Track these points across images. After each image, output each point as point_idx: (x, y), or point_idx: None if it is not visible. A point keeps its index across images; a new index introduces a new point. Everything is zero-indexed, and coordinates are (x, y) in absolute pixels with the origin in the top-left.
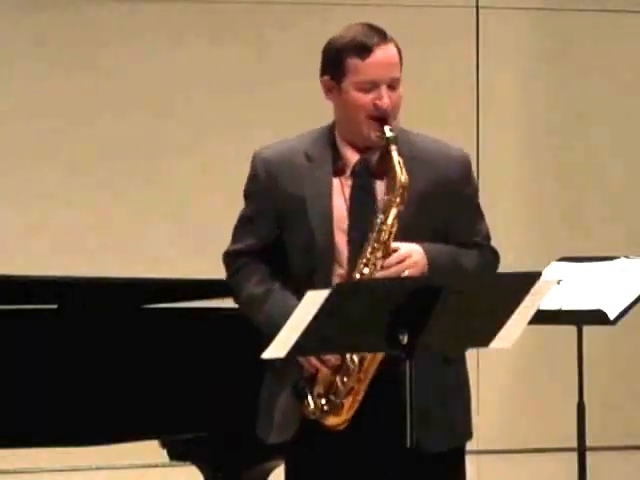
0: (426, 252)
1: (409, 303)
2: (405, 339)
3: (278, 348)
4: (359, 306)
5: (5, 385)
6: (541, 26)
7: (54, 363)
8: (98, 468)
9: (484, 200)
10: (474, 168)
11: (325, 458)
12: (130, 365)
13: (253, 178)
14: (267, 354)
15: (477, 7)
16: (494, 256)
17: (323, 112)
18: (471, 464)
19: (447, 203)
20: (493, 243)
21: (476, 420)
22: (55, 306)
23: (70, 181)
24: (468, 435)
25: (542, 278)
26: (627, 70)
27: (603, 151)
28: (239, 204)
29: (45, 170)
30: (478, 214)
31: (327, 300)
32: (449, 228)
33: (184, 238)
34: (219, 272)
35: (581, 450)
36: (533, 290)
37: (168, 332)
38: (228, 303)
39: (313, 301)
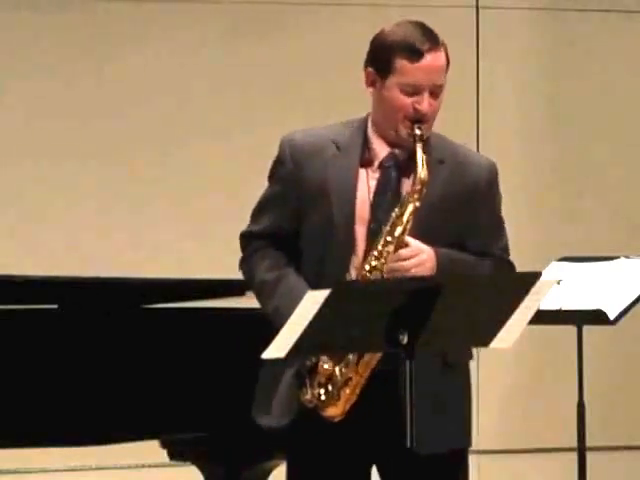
0: (437, 257)
1: (409, 303)
2: (405, 339)
3: (278, 348)
4: (359, 306)
5: (5, 385)
6: (541, 26)
7: (54, 363)
8: (98, 468)
9: None
10: None
11: (320, 448)
12: (130, 365)
13: (279, 161)
14: (267, 354)
15: (477, 7)
16: (511, 270)
17: (326, 111)
18: (471, 464)
19: (470, 209)
20: None
21: (476, 420)
22: (55, 306)
23: (70, 181)
24: (466, 439)
25: (542, 278)
26: (627, 70)
27: (603, 151)
28: (242, 205)
29: (45, 170)
30: (499, 226)
31: (327, 300)
32: (468, 235)
33: (185, 238)
34: (220, 272)
35: (581, 450)
36: (533, 290)
37: (168, 332)
38: (229, 303)
39: (313, 301)
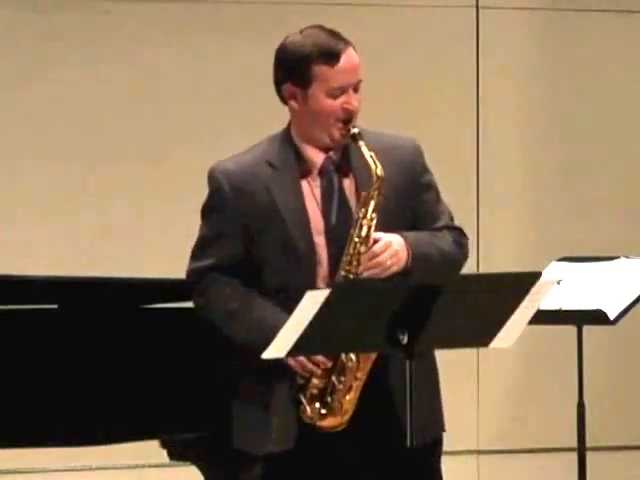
0: (407, 241)
1: (409, 303)
2: (405, 339)
3: (279, 348)
4: (359, 306)
5: (5, 385)
6: (541, 26)
7: (54, 363)
8: (98, 468)
9: (484, 200)
10: (474, 168)
11: (323, 461)
12: (130, 365)
13: (216, 194)
14: (268, 354)
15: (477, 7)
16: (462, 235)
17: None
18: (471, 464)
19: (414, 192)
20: (493, 243)
21: (476, 420)
22: (55, 306)
23: (70, 181)
24: (443, 424)
25: (542, 278)
26: (628, 70)
27: (604, 151)
28: None
29: (45, 170)
30: (439, 196)
31: (327, 300)
32: (420, 216)
33: (184, 238)
34: None
35: (581, 450)
36: (533, 290)
37: (168, 332)
38: None
39: (313, 301)
